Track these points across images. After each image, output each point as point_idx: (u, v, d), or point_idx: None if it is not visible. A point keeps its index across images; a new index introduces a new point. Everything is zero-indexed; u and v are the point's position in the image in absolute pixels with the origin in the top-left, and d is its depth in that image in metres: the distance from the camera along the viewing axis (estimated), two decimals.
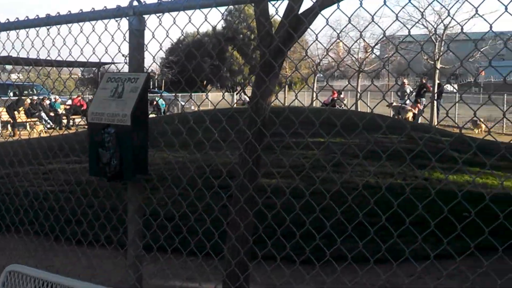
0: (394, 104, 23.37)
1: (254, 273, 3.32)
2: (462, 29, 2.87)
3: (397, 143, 4.05)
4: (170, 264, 4.40)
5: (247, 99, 5.07)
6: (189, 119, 3.23)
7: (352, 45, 25.54)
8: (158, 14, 3.04)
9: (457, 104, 20.58)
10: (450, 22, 23.88)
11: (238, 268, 3.14)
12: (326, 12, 2.97)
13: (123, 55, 3.16)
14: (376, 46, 34.00)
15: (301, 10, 2.93)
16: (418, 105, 23.01)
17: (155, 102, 28.76)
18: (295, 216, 2.91)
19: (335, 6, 2.69)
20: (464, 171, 8.34)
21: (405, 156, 2.76)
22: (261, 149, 3.12)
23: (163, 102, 30.82)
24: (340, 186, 2.91)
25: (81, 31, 3.45)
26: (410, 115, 22.05)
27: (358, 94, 26.42)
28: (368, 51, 30.63)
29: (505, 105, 18.14)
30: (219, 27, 43.94)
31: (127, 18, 3.07)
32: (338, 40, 23.99)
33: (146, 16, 3.06)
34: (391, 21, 2.53)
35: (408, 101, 24.18)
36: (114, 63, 5.37)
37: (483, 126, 19.06)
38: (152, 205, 3.26)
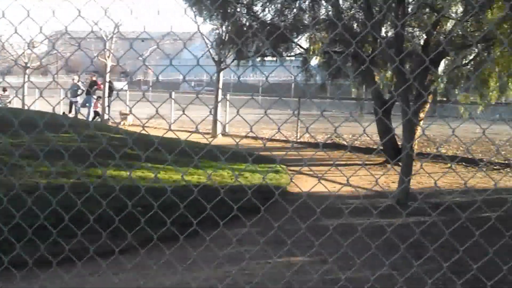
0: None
1: None
2: (118, 28, 2.98)
3: (54, 142, 3.99)
4: None
5: None
6: None
7: (6, 41, 24.11)
8: None
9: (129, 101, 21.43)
10: (120, 20, 24.39)
11: None
12: None
13: None
14: (44, 41, 32.77)
15: None
16: (97, 103, 23.10)
17: None
18: None
19: None
20: (144, 167, 8.63)
21: (82, 154, 2.74)
22: None
23: None
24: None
25: None
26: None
27: (23, 91, 25.36)
28: (36, 46, 29.22)
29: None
30: None
31: None
32: None
33: None
34: (71, 17, 2.48)
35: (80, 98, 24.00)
36: None
37: (128, 119, 20.94)
38: None
